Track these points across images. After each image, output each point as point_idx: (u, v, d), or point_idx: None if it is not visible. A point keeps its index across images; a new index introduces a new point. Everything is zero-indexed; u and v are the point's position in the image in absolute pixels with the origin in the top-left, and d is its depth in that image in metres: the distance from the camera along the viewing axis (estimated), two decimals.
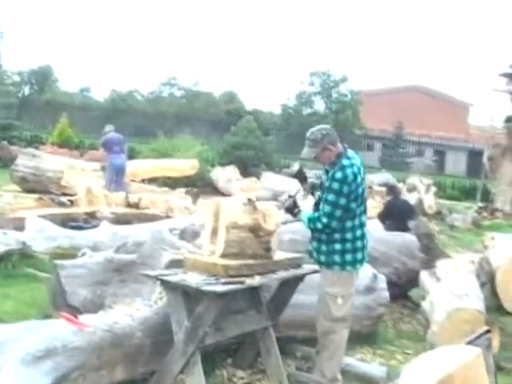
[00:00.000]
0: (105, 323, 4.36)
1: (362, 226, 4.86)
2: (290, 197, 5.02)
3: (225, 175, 17.72)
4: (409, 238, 7.95)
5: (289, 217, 5.27)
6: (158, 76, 74.94)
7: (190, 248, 5.25)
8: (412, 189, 15.47)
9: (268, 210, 4.94)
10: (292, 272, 4.94)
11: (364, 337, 6.06)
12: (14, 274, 7.26)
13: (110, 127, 13.78)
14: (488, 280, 7.52)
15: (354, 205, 4.72)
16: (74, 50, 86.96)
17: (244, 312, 4.94)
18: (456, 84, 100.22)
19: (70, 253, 7.99)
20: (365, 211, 4.91)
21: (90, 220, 9.90)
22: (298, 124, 34.04)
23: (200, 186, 17.26)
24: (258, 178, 18.40)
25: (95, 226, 8.68)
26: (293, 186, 17.02)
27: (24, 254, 7.62)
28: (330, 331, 4.82)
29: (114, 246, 8.13)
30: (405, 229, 10.68)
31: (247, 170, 19.05)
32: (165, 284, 4.45)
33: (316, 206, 4.89)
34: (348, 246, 4.78)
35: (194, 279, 4.35)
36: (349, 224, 4.76)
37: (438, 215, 15.70)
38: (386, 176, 18.46)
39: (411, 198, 15.03)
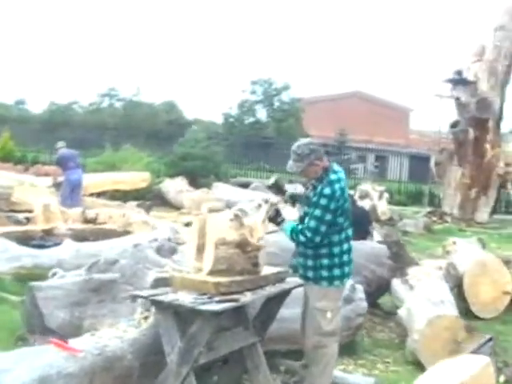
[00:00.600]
0: (95, 347, 4.21)
1: (348, 239, 4.88)
2: (272, 205, 4.97)
3: (175, 186, 17.53)
4: (376, 246, 8.03)
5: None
6: (97, 87, 73.60)
7: (173, 265, 5.13)
8: (364, 195, 15.69)
9: (254, 224, 4.88)
10: (280, 287, 4.91)
11: (344, 347, 6.05)
12: None
13: (62, 143, 13.49)
14: (455, 285, 7.65)
15: (341, 219, 4.74)
16: (5, 60, 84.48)
17: (231, 329, 4.87)
18: (395, 89, 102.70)
19: (34, 272, 7.77)
20: (350, 224, 4.93)
21: (47, 237, 9.61)
22: (240, 133, 34.12)
23: (149, 198, 17.02)
24: (209, 188, 18.29)
25: (57, 244, 8.43)
26: (244, 196, 17.08)
27: None
28: (320, 345, 4.80)
29: (78, 264, 8.01)
30: (364, 236, 10.82)
31: (196, 180, 18.91)
32: (156, 304, 4.33)
33: (301, 220, 4.87)
34: (336, 260, 4.78)
35: (186, 298, 4.26)
36: (336, 238, 4.77)
37: (390, 221, 15.95)
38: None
39: (364, 205, 15.24)
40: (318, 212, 4.62)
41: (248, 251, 4.73)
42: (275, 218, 4.88)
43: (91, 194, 14.95)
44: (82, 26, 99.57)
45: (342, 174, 4.82)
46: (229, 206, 15.74)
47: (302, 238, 4.70)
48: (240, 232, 4.73)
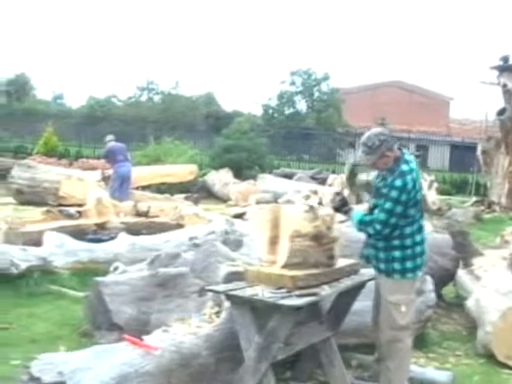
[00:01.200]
0: (171, 344, 4.11)
1: (420, 231, 4.68)
2: (337, 194, 4.80)
3: (220, 179, 17.47)
4: (439, 236, 7.80)
5: None
6: (135, 81, 73.73)
7: (244, 259, 5.00)
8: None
9: (329, 216, 4.72)
10: (355, 279, 4.75)
11: (414, 340, 5.87)
12: (38, 291, 6.96)
13: (111, 137, 13.51)
14: None
15: (412, 211, 4.55)
16: (45, 56, 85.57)
17: (306, 323, 4.72)
18: (435, 78, 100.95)
19: (90, 267, 7.75)
20: (422, 215, 4.73)
21: (100, 231, 9.60)
22: (280, 124, 33.92)
23: (195, 190, 16.99)
24: (254, 180, 18.19)
25: (113, 238, 8.38)
26: (290, 187, 16.92)
27: (45, 271, 7.32)
28: (395, 340, 4.64)
29: (134, 258, 7.99)
30: None
31: (240, 172, 18.81)
32: (232, 299, 4.20)
33: (371, 211, 4.69)
34: (408, 252, 4.60)
35: (264, 293, 4.13)
36: (408, 230, 4.58)
37: (438, 211, 15.61)
38: (374, 174, 18.24)
39: None
40: (388, 205, 4.45)
41: (323, 243, 4.58)
42: (341, 207, 4.71)
43: (138, 188, 14.98)
44: (118, 19, 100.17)
45: (413, 164, 4.63)
46: (276, 197, 15.67)
47: (370, 230, 4.54)
48: (315, 224, 4.57)
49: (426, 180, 15.39)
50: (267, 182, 17.27)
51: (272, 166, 20.78)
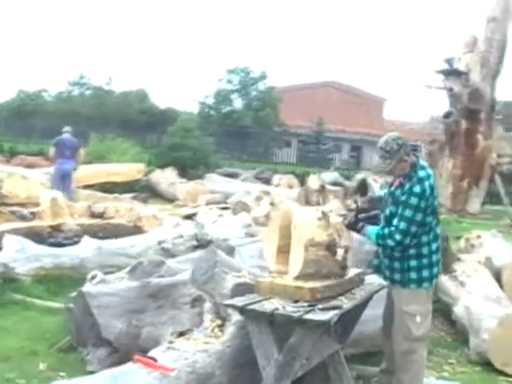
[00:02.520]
0: (186, 364, 3.78)
1: (436, 239, 4.54)
2: (349, 210, 4.58)
3: (166, 178, 17.00)
4: None
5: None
6: (67, 75, 71.18)
7: (249, 269, 4.70)
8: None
9: (339, 223, 4.49)
10: (367, 290, 4.55)
11: None
12: (1, 301, 6.41)
13: (67, 128, 12.82)
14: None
15: (429, 218, 4.40)
16: None
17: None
18: (370, 79, 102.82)
19: (54, 273, 7.26)
20: (438, 223, 4.58)
21: (56, 234, 9.05)
22: (216, 123, 33.56)
23: (138, 190, 16.46)
24: (200, 179, 17.83)
25: (76, 242, 7.89)
26: (238, 188, 16.67)
27: (6, 278, 6.78)
28: (410, 351, 4.48)
29: (101, 263, 7.57)
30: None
31: (185, 171, 18.38)
32: (249, 314, 3.90)
33: (386, 221, 4.50)
34: (424, 261, 4.45)
35: (287, 307, 3.86)
36: (424, 239, 4.43)
37: None
38: (334, 174, 18.37)
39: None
40: (408, 212, 4.27)
41: (337, 253, 4.35)
42: (354, 224, 4.49)
43: (80, 187, 14.33)
44: (49, 12, 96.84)
45: (430, 170, 4.49)
46: (226, 197, 15.39)
47: (390, 243, 4.33)
48: (328, 232, 4.35)
49: (377, 182, 15.47)
50: (214, 182, 16.96)
51: (217, 165, 20.44)
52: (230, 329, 4.29)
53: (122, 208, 10.24)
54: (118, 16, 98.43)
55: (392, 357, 4.67)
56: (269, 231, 4.54)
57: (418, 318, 4.44)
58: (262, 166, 27.83)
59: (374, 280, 4.80)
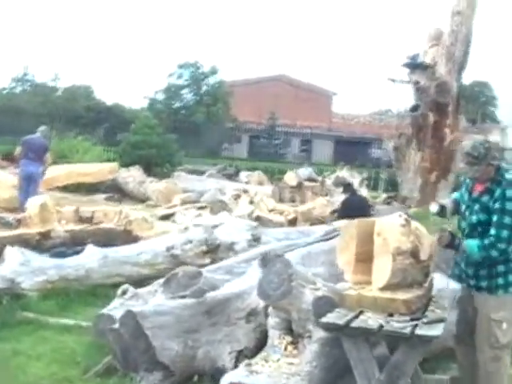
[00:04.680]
0: None
1: None
2: (443, 230, 4.29)
3: (134, 177, 16.34)
4: None
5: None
6: (11, 71, 67.79)
7: (323, 281, 4.35)
8: (341, 183, 15.17)
9: (419, 229, 4.21)
10: (450, 297, 4.29)
11: None
12: (11, 321, 5.87)
13: (41, 128, 11.94)
14: None
15: None
16: None
17: None
18: (319, 73, 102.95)
19: (60, 286, 6.73)
20: None
21: (45, 241, 8.47)
22: (168, 118, 32.87)
23: (104, 190, 15.78)
24: (165, 177, 17.27)
25: (78, 251, 7.34)
26: (209, 186, 16.21)
27: (12, 294, 6.20)
28: (495, 359, 4.27)
29: (108, 273, 7.08)
30: None
31: (150, 169, 17.77)
32: (348, 331, 3.56)
33: (472, 229, 4.24)
34: (511, 265, 4.21)
35: (392, 323, 3.55)
36: None
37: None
38: (309, 170, 18.13)
39: (340, 193, 14.79)
40: (508, 219, 4.05)
41: (421, 260, 4.07)
42: (452, 242, 4.20)
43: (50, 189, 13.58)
44: None
45: None
46: (200, 196, 14.91)
47: (494, 253, 4.09)
48: (411, 239, 4.06)
49: (354, 177, 15.32)
50: (185, 181, 16.44)
51: (182, 162, 19.89)
52: (312, 347, 3.94)
53: (110, 211, 9.68)
54: (63, 11, 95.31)
55: (467, 366, 4.45)
56: (343, 239, 4.21)
57: (505, 325, 4.24)
58: (214, 162, 27.51)
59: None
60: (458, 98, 18.21)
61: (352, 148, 37.92)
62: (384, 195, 19.05)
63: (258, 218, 11.93)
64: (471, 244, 4.15)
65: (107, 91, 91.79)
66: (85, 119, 35.21)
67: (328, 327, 3.58)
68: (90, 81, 65.91)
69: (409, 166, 18.31)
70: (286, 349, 4.14)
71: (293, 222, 12.08)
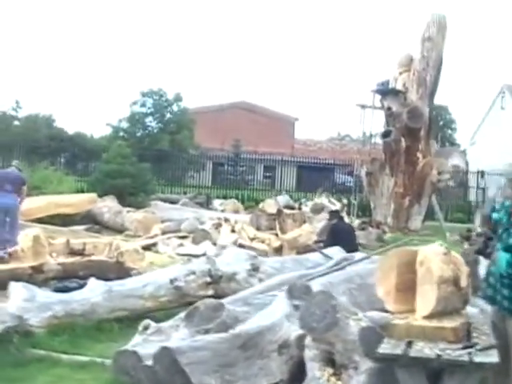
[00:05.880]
0: None
1: None
2: (479, 235, 4.39)
3: (109, 207, 16.11)
4: None
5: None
6: None
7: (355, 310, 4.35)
8: (320, 209, 15.27)
9: (456, 257, 4.27)
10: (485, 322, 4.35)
11: None
12: (23, 359, 5.67)
13: (16, 163, 11.61)
14: None
15: None
16: None
17: None
18: (280, 99, 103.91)
19: (66, 321, 6.55)
20: None
21: (37, 275, 8.27)
22: (132, 147, 32.61)
23: (80, 221, 15.49)
24: (140, 207, 17.09)
25: (81, 285, 7.18)
26: (187, 215, 16.10)
27: (20, 332, 6.00)
28: None
29: (113, 308, 6.93)
30: (354, 249, 10.50)
31: (124, 199, 17.53)
32: (400, 361, 3.57)
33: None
34: None
35: (448, 351, 3.58)
36: None
37: None
38: (286, 198, 18.17)
39: (319, 220, 14.88)
40: None
41: (461, 288, 4.13)
42: (484, 249, 4.29)
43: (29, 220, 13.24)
44: None
45: None
46: (179, 225, 14.80)
47: None
48: (451, 267, 4.11)
49: (335, 204, 15.42)
50: (161, 210, 16.30)
51: (154, 191, 19.73)
52: (360, 377, 3.93)
53: (100, 243, 9.53)
54: (22, 37, 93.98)
55: None
56: (382, 270, 4.25)
57: None
58: (180, 190, 27.36)
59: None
60: (429, 122, 18.66)
61: (315, 174, 38.21)
62: (357, 221, 19.24)
63: (240, 247, 11.91)
64: (502, 257, 4.21)
65: (68, 120, 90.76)
66: (46, 148, 34.71)
67: (385, 358, 3.58)
68: (51, 109, 64.81)
69: (382, 191, 18.60)
70: (328, 380, 4.12)
71: (278, 250, 12.08)
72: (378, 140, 22.73)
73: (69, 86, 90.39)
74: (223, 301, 5.90)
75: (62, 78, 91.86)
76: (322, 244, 11.45)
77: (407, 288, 4.14)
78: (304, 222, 14.76)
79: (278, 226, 14.56)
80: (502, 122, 36.90)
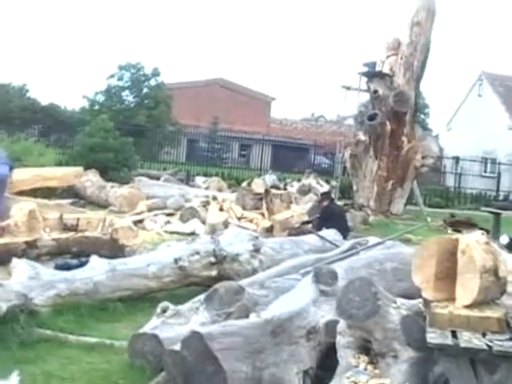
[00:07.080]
0: None
1: None
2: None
3: (92, 181, 15.80)
4: None
5: None
6: None
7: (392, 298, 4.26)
8: (307, 190, 15.18)
9: (494, 246, 4.22)
10: None
11: None
12: (30, 340, 5.46)
13: None
14: None
15: None
16: None
17: None
18: (257, 78, 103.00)
19: (70, 301, 6.36)
20: None
21: (30, 250, 8.06)
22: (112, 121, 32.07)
23: (61, 194, 15.17)
24: (124, 182, 16.82)
25: (83, 263, 6.98)
26: (172, 192, 15.87)
27: (26, 311, 5.80)
28: None
29: (116, 287, 6.75)
30: (345, 232, 10.49)
31: (106, 173, 17.22)
32: (449, 350, 3.51)
33: None
34: None
35: (493, 341, 3.53)
36: None
37: None
38: (273, 178, 18.03)
39: (306, 201, 14.82)
40: None
41: (500, 278, 4.07)
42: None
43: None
44: None
45: None
46: (164, 202, 14.60)
47: None
48: (492, 256, 4.05)
49: (322, 186, 15.34)
50: (145, 186, 16.03)
51: (135, 167, 19.41)
52: (401, 366, 3.86)
53: (92, 219, 9.30)
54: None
55: None
56: (422, 257, 4.17)
57: None
58: (154, 166, 27.03)
59: None
60: (415, 107, 18.65)
61: (290, 153, 38.22)
62: (340, 203, 19.23)
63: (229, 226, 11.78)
64: None
65: (42, 90, 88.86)
66: (19, 120, 33.97)
67: (435, 347, 3.51)
68: (25, 79, 63.35)
69: (365, 174, 18.59)
70: (365, 368, 4.04)
71: (269, 231, 11.98)
72: (351, 121, 22.80)
73: (44, 56, 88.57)
74: (239, 283, 5.80)
75: (38, 47, 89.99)
76: (310, 225, 11.42)
77: (446, 276, 4.08)
78: (291, 202, 14.70)
79: (264, 206, 14.46)
80: (479, 109, 37.29)
